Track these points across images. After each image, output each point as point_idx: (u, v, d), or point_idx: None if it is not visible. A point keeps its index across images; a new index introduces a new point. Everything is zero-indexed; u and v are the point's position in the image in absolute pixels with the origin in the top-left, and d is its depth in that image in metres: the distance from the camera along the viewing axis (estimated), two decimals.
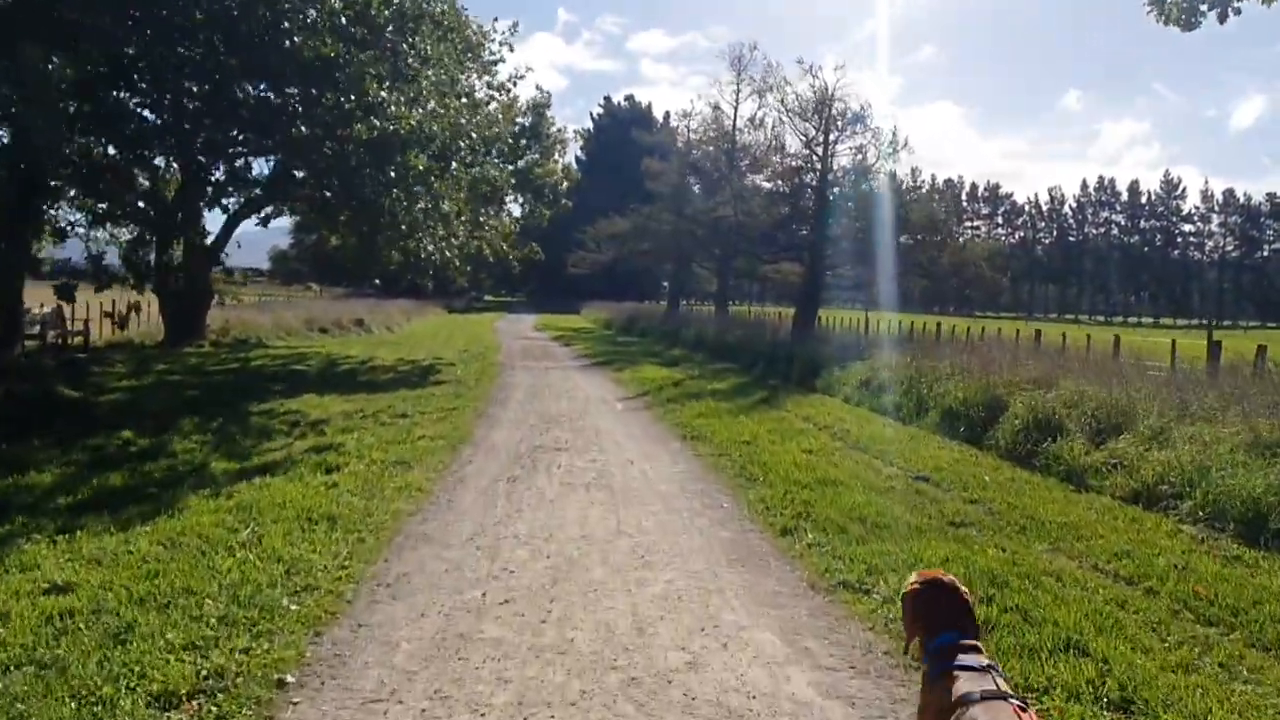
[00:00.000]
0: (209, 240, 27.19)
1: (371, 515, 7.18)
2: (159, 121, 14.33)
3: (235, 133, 14.93)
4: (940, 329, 26.20)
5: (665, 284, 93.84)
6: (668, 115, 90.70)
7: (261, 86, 14.42)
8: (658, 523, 7.37)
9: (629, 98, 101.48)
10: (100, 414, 12.62)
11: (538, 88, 26.74)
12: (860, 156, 29.94)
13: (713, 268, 51.71)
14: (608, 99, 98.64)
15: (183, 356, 22.11)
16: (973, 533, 7.27)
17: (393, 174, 15.04)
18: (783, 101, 28.84)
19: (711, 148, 42.56)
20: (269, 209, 27.19)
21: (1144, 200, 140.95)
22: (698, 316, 41.30)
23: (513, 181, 22.38)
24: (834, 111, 29.02)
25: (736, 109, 41.62)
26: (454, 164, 16.44)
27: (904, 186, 27.48)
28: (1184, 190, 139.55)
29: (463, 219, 20.14)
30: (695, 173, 43.78)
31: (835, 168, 29.68)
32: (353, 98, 13.26)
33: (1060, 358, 15.67)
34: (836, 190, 29.62)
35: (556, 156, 27.66)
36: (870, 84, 77.14)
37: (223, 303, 27.08)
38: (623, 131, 79.67)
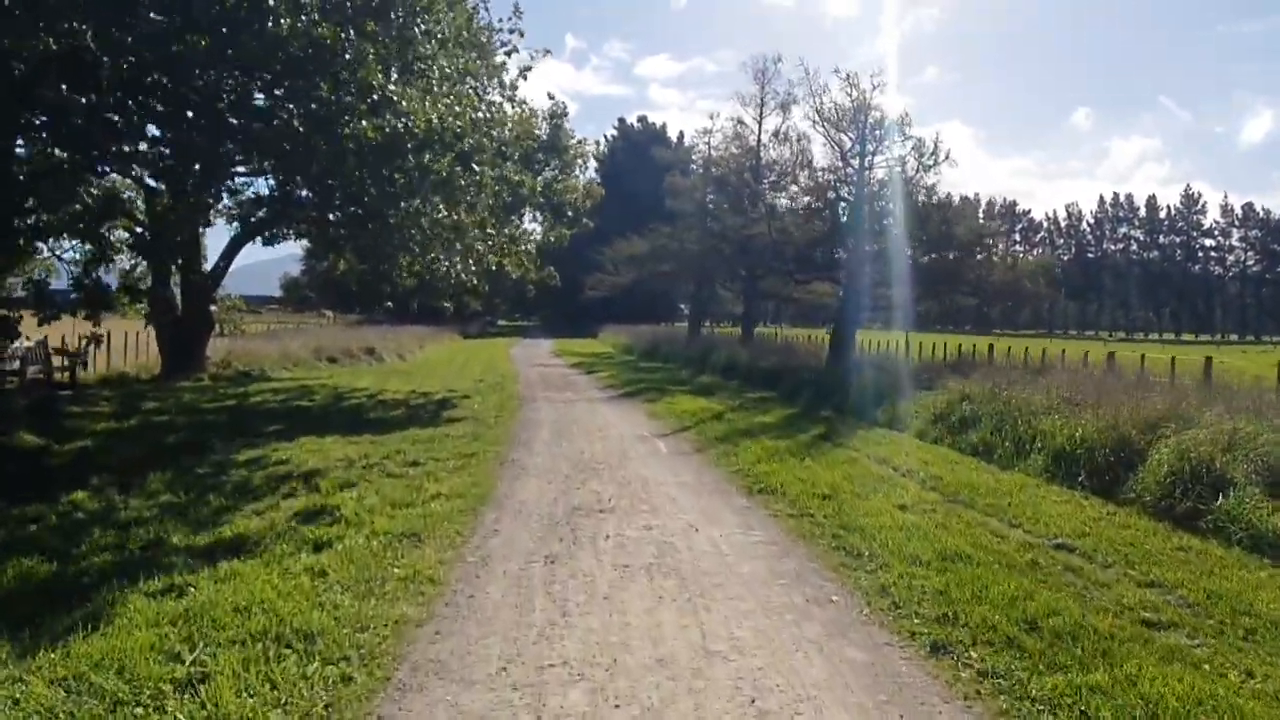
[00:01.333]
0: (208, 267, 25.64)
1: (366, 628, 5.26)
2: (114, 119, 12.46)
3: (210, 131, 13.03)
4: (993, 350, 24.15)
5: (683, 306, 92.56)
6: (682, 135, 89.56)
7: (238, 75, 12.56)
8: (755, 632, 5.41)
9: (642, 118, 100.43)
10: (58, 466, 10.80)
11: (551, 96, 24.74)
12: (899, 169, 28.05)
13: (737, 289, 49.94)
14: (621, 120, 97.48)
15: (177, 392, 20.38)
16: (1183, 641, 5.30)
17: (401, 180, 13.14)
18: (818, 111, 26.99)
19: (735, 164, 40.91)
20: (272, 232, 25.61)
21: (1163, 215, 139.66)
22: (723, 340, 39.40)
23: (539, 190, 20.47)
24: (871, 121, 27.18)
25: (760, 123, 40.04)
26: (477, 168, 14.54)
27: (948, 199, 25.47)
28: (1204, 205, 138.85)
29: (488, 230, 18.17)
30: (720, 189, 42.08)
31: (872, 181, 27.78)
32: (354, 90, 11.43)
33: (1155, 382, 13.70)
34: (879, 204, 27.70)
35: (577, 172, 25.78)
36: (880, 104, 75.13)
37: (222, 333, 25.36)
38: (637, 153, 78.34)
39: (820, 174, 31.19)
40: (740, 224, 35.68)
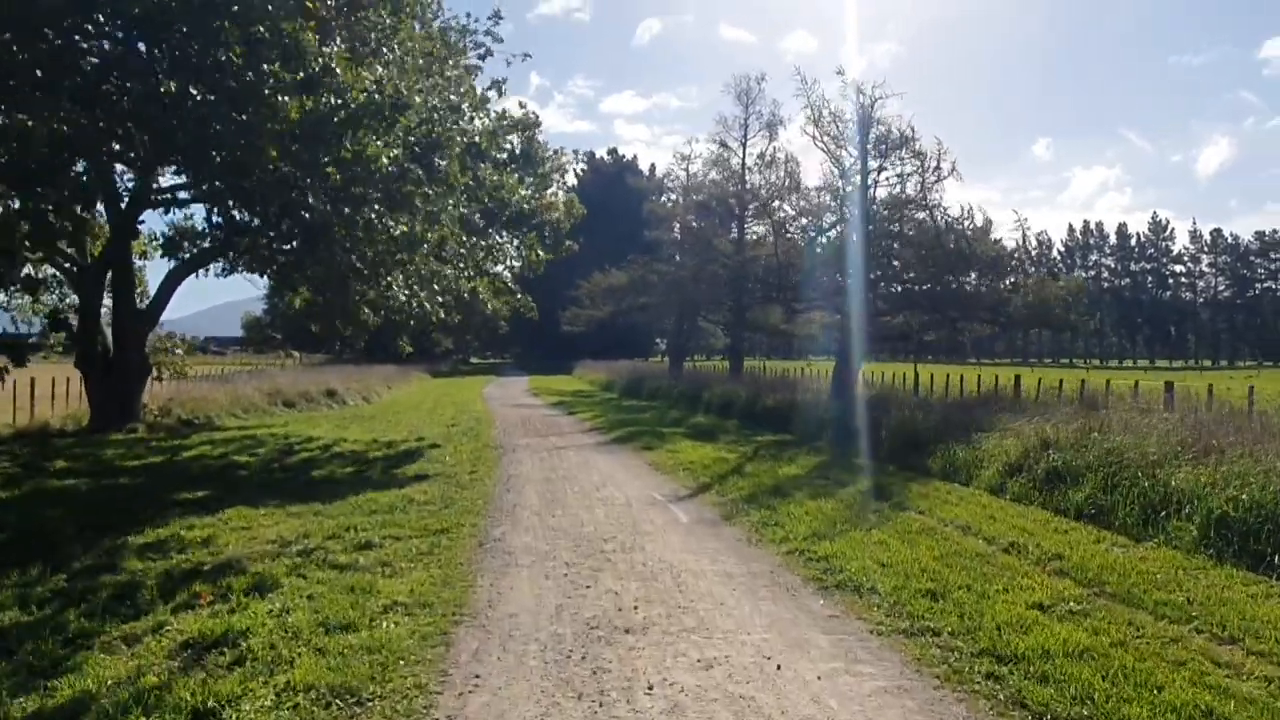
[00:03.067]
0: (144, 303, 22.82)
1: None
2: None
3: (57, 103, 10.14)
4: (1019, 384, 21.80)
5: (659, 341, 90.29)
6: (653, 168, 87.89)
7: (107, 27, 9.78)
8: None
9: (612, 151, 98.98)
10: None
11: (522, 105, 22.27)
12: (901, 185, 25.90)
13: (721, 320, 47.63)
14: (590, 154, 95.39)
15: (101, 447, 17.54)
16: None
17: (333, 173, 10.43)
18: (815, 122, 24.79)
19: (718, 189, 38.84)
20: (227, 264, 22.84)
21: (1133, 243, 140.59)
22: (713, 376, 36.98)
23: (523, 196, 17.87)
24: (874, 135, 25.06)
25: (745, 146, 38.03)
26: (440, 161, 11.84)
27: (969, 216, 23.29)
28: (1172, 232, 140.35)
29: (457, 248, 15.27)
30: (704, 215, 39.95)
31: (876, 199, 25.60)
32: (276, 55, 8.85)
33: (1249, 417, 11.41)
34: (884, 224, 25.53)
35: (555, 189, 23.28)
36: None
37: (160, 377, 22.49)
38: (608, 186, 76.35)
39: (816, 194, 29.06)
40: (729, 250, 33.44)
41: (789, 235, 29.66)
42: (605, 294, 47.28)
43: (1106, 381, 20.82)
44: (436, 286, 15.25)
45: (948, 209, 23.07)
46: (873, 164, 25.54)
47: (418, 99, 10.79)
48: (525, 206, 21.16)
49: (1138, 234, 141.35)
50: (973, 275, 24.33)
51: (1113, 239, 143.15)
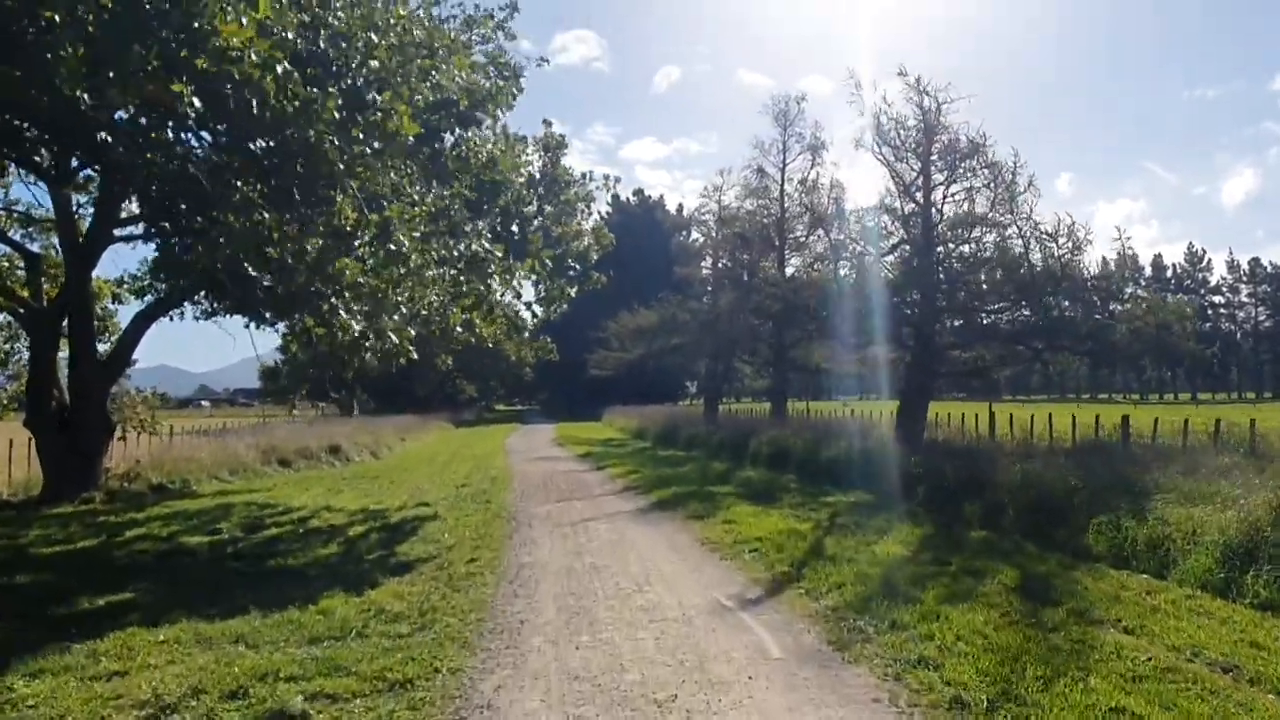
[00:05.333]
0: (104, 348, 19.98)
1: None
2: None
3: None
4: (1128, 425, 18.13)
5: (689, 384, 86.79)
6: (680, 208, 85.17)
7: None
8: None
9: (638, 192, 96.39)
10: None
11: (547, 123, 19.31)
12: (970, 201, 22.61)
13: (759, 361, 44.30)
14: (615, 197, 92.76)
15: (32, 524, 14.57)
16: None
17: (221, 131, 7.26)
18: (876, 131, 21.64)
19: (755, 220, 35.88)
20: (207, 304, 19.94)
21: (1169, 274, 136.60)
22: (755, 421, 33.65)
23: (528, 174, 14.67)
24: (939, 145, 21.88)
25: (783, 171, 35.04)
26: (376, 96, 8.42)
27: (1058, 234, 19.90)
28: (1209, 262, 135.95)
29: (425, 246, 11.28)
30: (743, 246, 36.96)
31: (943, 218, 22.35)
32: None
33: None
34: (952, 246, 22.26)
35: (580, 219, 20.17)
36: (862, 178, 70.76)
37: (124, 436, 19.54)
38: (635, 228, 73.57)
39: (871, 216, 25.80)
40: (778, 280, 30.24)
41: (844, 261, 26.38)
42: (634, 335, 44.34)
43: (1217, 421, 17.21)
44: (404, 311, 11.76)
45: (1040, 222, 19.64)
46: (939, 177, 22.38)
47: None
48: (553, 228, 18.11)
49: (1174, 265, 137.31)
50: (1064, 300, 20.88)
51: (1148, 270, 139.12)
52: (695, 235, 49.73)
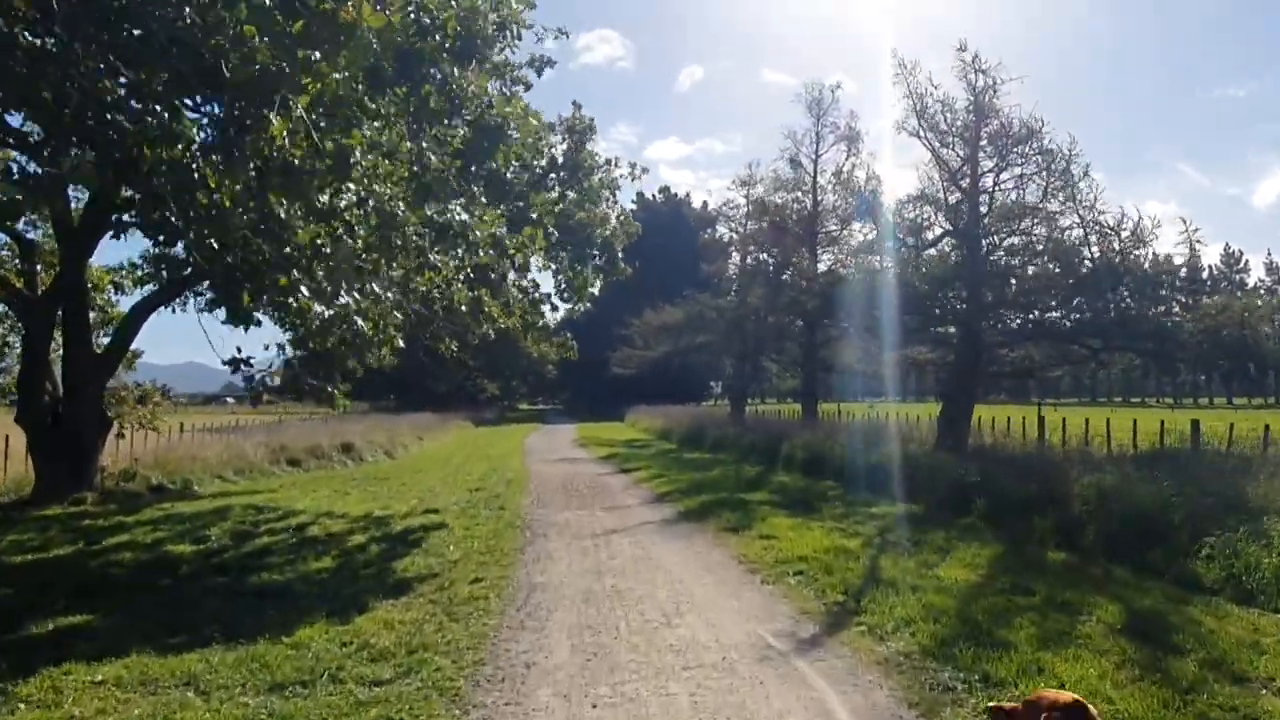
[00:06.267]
0: (102, 343, 18.91)
1: None
2: None
3: None
4: (1198, 430, 16.51)
5: (713, 383, 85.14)
6: (705, 205, 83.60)
7: None
8: None
9: (664, 189, 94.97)
10: None
11: (577, 105, 17.97)
12: (1021, 190, 21.07)
13: (788, 360, 42.84)
14: (640, 194, 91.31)
15: (22, 525, 13.54)
16: None
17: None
18: (919, 114, 20.16)
19: (788, 210, 34.40)
20: (213, 296, 18.84)
21: (1205, 275, 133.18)
22: (781, 422, 32.22)
23: (529, 122, 13.19)
24: (990, 130, 20.40)
25: (816, 162, 33.59)
26: None
27: (1121, 226, 18.35)
28: (1246, 264, 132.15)
29: (411, 220, 9.68)
30: (775, 238, 35.51)
31: (994, 206, 20.86)
32: None
33: None
34: (1001, 237, 20.79)
35: (605, 207, 18.86)
36: (893, 174, 68.56)
37: (121, 432, 18.46)
38: (660, 226, 72.09)
39: (913, 206, 24.28)
40: (814, 275, 28.81)
41: (883, 254, 24.90)
42: (659, 333, 43.08)
43: (1266, 426, 15.61)
44: (375, 289, 10.10)
45: (1103, 211, 18.09)
46: (987, 164, 20.88)
47: None
48: (570, 217, 16.76)
49: (1210, 266, 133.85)
50: (1126, 296, 19.31)
51: (1183, 271, 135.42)
52: (721, 231, 48.45)
